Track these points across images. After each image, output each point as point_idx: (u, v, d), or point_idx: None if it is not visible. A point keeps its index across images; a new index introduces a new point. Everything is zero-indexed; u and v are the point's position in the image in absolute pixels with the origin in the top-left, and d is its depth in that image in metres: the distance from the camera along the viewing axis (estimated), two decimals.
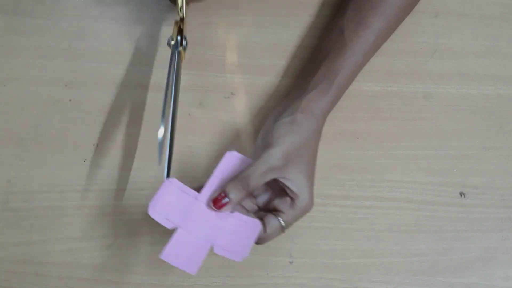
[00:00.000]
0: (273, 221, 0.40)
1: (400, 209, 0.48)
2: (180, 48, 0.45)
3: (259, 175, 0.39)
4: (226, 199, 0.39)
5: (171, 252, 0.37)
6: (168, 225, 0.38)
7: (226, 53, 0.52)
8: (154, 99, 0.50)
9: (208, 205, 0.39)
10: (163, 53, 0.52)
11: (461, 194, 0.49)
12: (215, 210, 0.39)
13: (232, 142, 0.49)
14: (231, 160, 0.41)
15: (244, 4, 0.54)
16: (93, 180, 0.47)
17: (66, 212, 0.47)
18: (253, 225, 0.40)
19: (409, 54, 0.53)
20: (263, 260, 0.46)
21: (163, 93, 0.50)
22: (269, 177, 0.40)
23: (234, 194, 0.39)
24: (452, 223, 0.48)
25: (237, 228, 0.39)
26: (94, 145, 0.48)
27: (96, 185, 0.47)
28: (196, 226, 0.38)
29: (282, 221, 0.40)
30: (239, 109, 0.50)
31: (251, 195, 0.42)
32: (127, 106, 0.50)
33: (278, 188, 0.41)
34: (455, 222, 0.48)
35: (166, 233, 0.46)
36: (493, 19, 0.54)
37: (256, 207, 0.43)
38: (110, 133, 0.49)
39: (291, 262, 0.46)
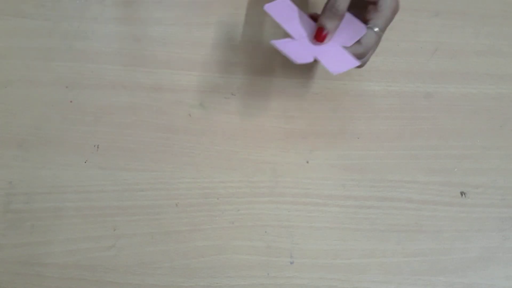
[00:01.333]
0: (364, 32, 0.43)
1: (400, 209, 0.48)
2: None
3: None
4: (325, 31, 0.43)
5: (283, 44, 0.42)
6: (284, 24, 0.43)
7: (226, 53, 0.52)
8: (155, 99, 0.50)
9: (313, 42, 0.44)
10: (164, 54, 0.52)
11: (462, 193, 0.49)
12: (319, 44, 0.44)
13: (232, 142, 0.49)
14: None
15: (244, 5, 0.54)
16: (94, 181, 0.48)
17: (67, 213, 0.47)
18: (359, 27, 0.43)
19: (410, 53, 0.53)
20: (264, 260, 0.46)
21: (163, 93, 0.50)
22: None
23: (330, 24, 0.42)
24: (453, 222, 0.48)
25: (347, 25, 0.44)
26: (95, 146, 0.49)
27: (97, 186, 0.47)
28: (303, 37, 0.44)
29: (373, 27, 0.43)
30: (239, 109, 0.50)
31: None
32: (128, 107, 0.50)
33: (359, 5, 0.44)
34: (455, 221, 0.48)
35: (167, 233, 0.46)
36: (494, 17, 0.54)
37: None
38: (111, 134, 0.49)
39: (291, 263, 0.46)
